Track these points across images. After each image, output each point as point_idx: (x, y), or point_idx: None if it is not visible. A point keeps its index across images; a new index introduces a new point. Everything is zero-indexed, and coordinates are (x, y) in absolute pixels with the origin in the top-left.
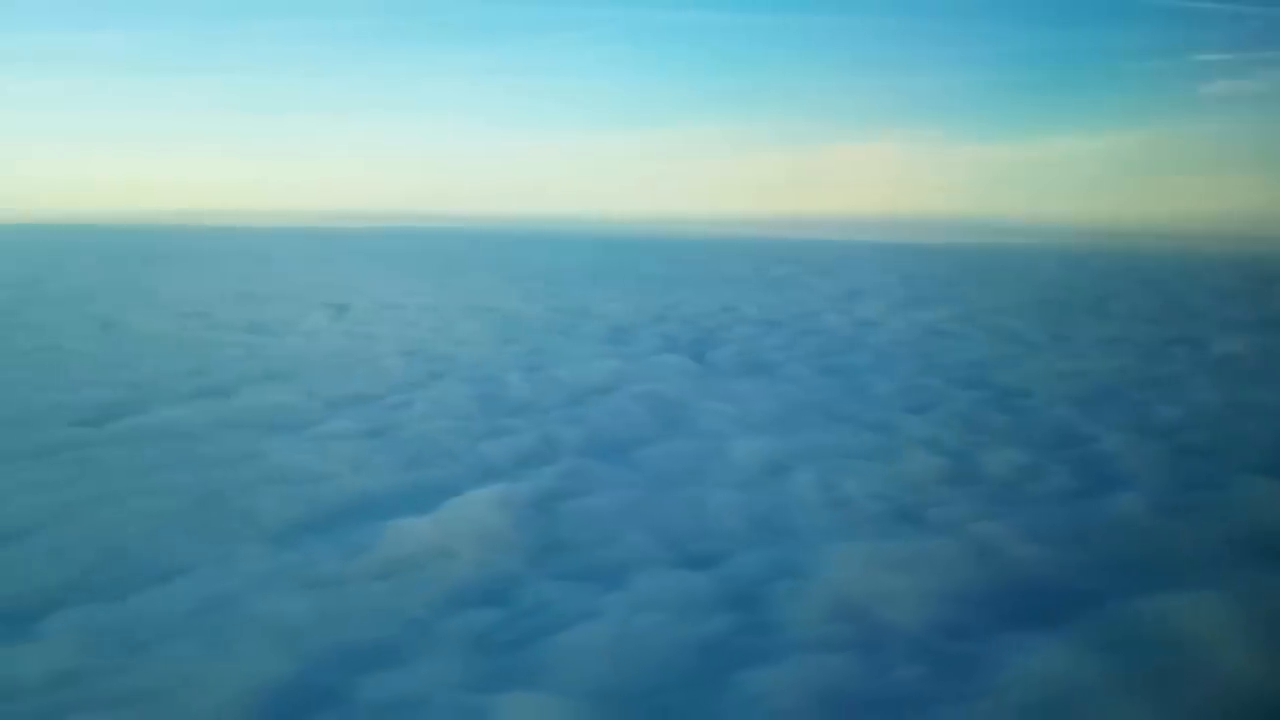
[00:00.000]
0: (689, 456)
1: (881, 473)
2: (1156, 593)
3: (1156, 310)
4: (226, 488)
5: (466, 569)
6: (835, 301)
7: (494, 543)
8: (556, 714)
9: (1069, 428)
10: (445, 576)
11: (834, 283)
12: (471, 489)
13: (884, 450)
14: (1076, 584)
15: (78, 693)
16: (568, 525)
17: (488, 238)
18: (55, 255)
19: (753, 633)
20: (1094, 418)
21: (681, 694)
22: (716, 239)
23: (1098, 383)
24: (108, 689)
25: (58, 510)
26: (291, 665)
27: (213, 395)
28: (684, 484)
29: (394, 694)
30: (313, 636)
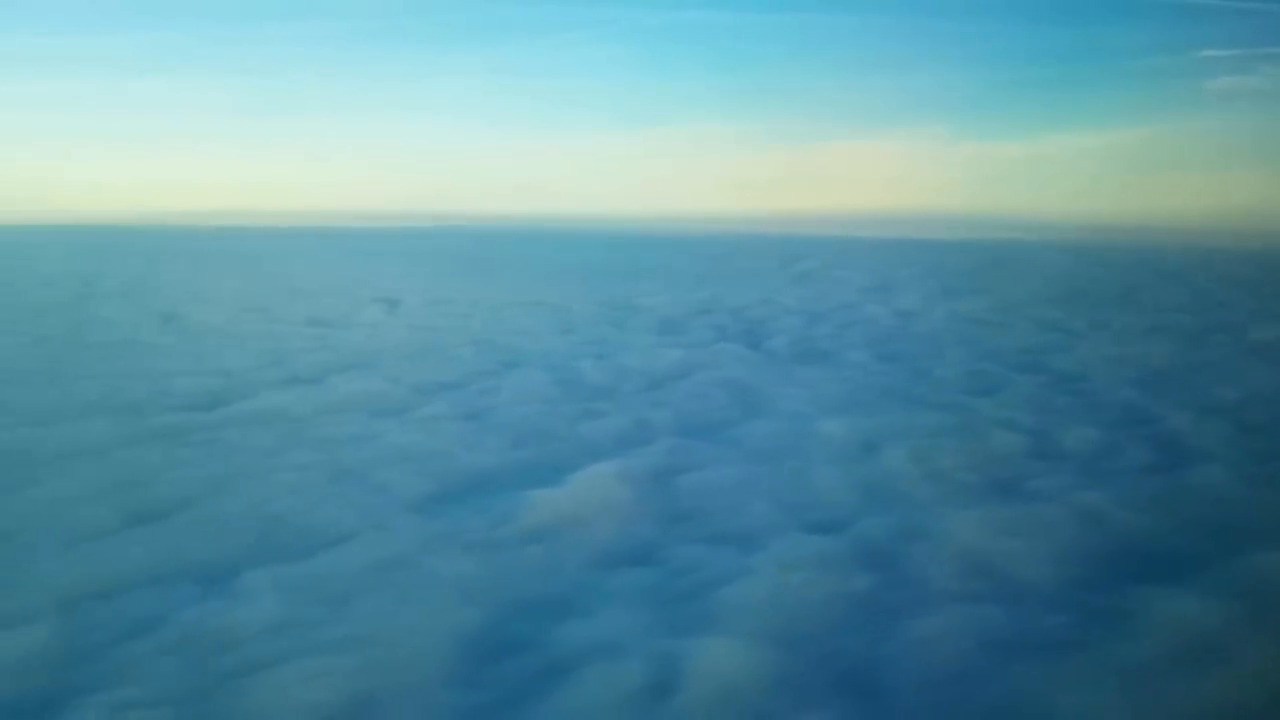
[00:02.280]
0: (781, 435)
1: (968, 449)
2: (1261, 552)
3: (1184, 301)
4: (355, 465)
5: (607, 535)
6: (869, 294)
7: (624, 512)
8: (745, 656)
9: (1134, 408)
10: (590, 541)
11: (860, 276)
12: (582, 466)
13: (963, 429)
14: (1184, 544)
15: (296, 640)
16: (688, 496)
17: (498, 236)
18: (95, 254)
19: (898, 588)
20: (1156, 399)
21: (851, 638)
22: (726, 236)
23: (1150, 367)
24: (322, 636)
25: (207, 485)
26: (482, 616)
27: (303, 383)
28: (784, 459)
29: (588, 640)
30: (491, 592)
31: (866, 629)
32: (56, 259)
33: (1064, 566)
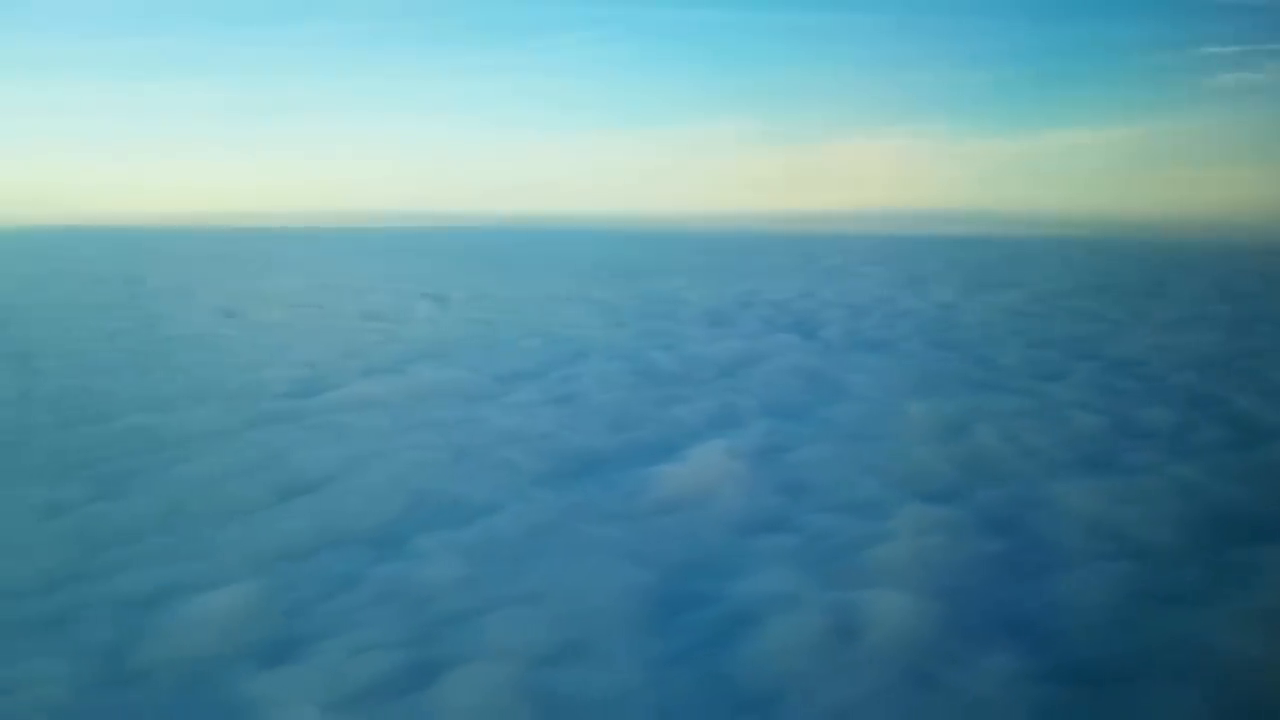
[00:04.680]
0: (867, 417)
1: (1052, 429)
2: None
3: (1214, 293)
4: (470, 445)
5: (735, 505)
6: (902, 287)
7: (744, 485)
8: (912, 606)
9: (1198, 391)
10: (722, 511)
11: (887, 271)
12: (684, 446)
13: (1042, 410)
14: None
15: (487, 593)
16: (798, 471)
17: (508, 235)
18: (124, 255)
19: (1031, 548)
20: (1217, 383)
21: (1003, 591)
22: (737, 233)
23: (1202, 354)
24: (509, 591)
25: (341, 464)
26: (649, 575)
27: (386, 373)
28: (878, 439)
29: (761, 594)
30: (649, 555)
31: (1014, 583)
32: (91, 259)
33: (1178, 530)
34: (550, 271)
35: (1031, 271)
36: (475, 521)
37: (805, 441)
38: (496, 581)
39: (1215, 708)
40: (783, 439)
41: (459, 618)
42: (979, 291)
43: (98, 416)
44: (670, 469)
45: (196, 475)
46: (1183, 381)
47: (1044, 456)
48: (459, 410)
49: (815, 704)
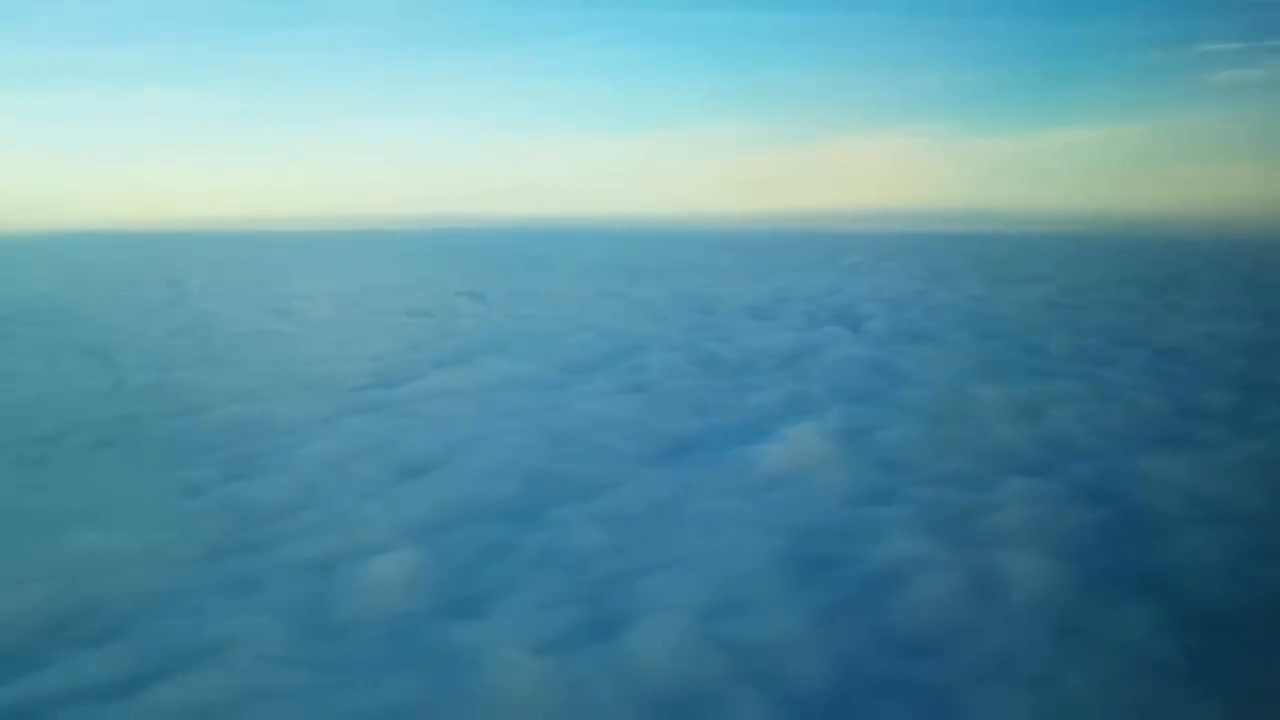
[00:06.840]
0: (939, 401)
1: (1120, 410)
2: None
3: (1237, 285)
4: (565, 430)
5: (841, 480)
6: (930, 282)
7: (838, 463)
8: (1045, 566)
9: (1250, 375)
10: (831, 485)
11: (911, 267)
12: (772, 429)
13: (1105, 394)
14: None
15: (637, 558)
16: (888, 450)
17: (513, 237)
18: (153, 259)
19: (1133, 517)
20: (1268, 367)
21: (1123, 552)
22: (746, 233)
23: (1245, 341)
24: (654, 557)
25: (447, 447)
26: (783, 540)
27: (455, 365)
28: (956, 420)
29: (897, 555)
30: (777, 523)
31: (1129, 545)
32: (121, 264)
33: (1268, 498)
34: (572, 270)
35: (1052, 266)
36: (599, 497)
37: (886, 424)
38: (641, 548)
39: None
40: (864, 421)
41: (619, 579)
42: (1008, 285)
43: (195, 407)
44: (768, 449)
45: (316, 458)
46: (1233, 367)
47: (1119, 435)
48: (539, 399)
49: (979, 649)
